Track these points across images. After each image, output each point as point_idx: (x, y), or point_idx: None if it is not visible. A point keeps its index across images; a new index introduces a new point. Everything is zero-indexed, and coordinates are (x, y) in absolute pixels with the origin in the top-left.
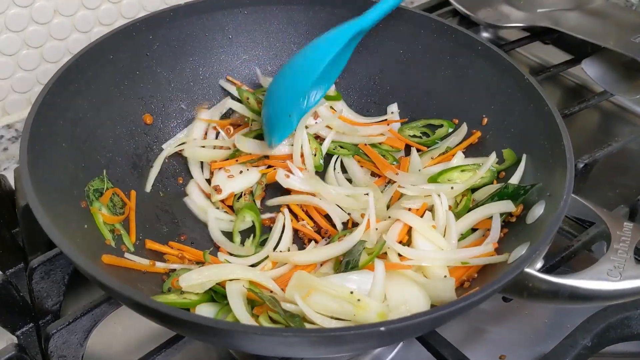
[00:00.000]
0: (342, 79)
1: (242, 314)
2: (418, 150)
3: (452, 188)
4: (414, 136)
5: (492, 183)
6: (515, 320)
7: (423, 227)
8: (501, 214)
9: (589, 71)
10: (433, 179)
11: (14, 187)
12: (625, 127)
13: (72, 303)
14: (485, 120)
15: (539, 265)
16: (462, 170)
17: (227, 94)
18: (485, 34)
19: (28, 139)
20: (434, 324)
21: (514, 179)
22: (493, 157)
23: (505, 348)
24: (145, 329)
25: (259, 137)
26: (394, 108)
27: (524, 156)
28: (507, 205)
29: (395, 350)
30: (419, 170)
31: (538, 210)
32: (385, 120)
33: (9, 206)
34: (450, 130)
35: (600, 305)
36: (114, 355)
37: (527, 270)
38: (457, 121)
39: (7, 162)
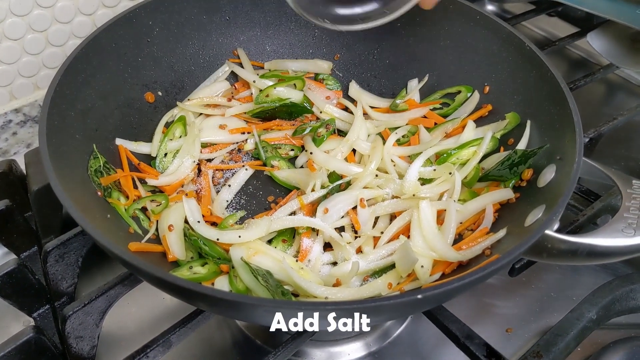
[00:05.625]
0: (340, 55)
1: (253, 284)
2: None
3: (450, 174)
4: (434, 108)
5: (498, 151)
6: (521, 294)
7: (426, 223)
8: (512, 179)
9: (594, 44)
10: (443, 161)
11: (24, 172)
12: (631, 100)
13: (86, 284)
14: (487, 88)
15: (555, 226)
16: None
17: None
18: (490, 7)
19: (46, 133)
20: (466, 288)
21: (521, 145)
22: (489, 135)
23: (511, 321)
24: (159, 308)
25: (262, 113)
26: (414, 83)
27: (528, 122)
28: (506, 193)
29: (403, 325)
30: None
31: (549, 174)
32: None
33: (20, 191)
34: (469, 94)
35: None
36: (129, 335)
37: (546, 231)
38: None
39: (17, 147)
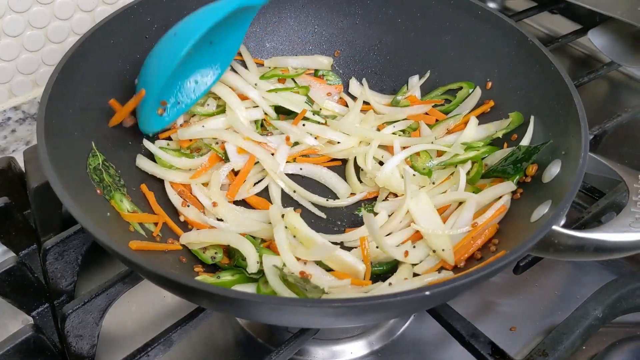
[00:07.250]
0: (341, 51)
1: (280, 288)
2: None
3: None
4: (435, 105)
5: (501, 147)
6: (526, 293)
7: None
8: (516, 175)
9: (596, 41)
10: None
11: (23, 169)
12: (634, 97)
13: (85, 283)
14: (490, 84)
15: (562, 222)
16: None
17: None
18: (491, 4)
19: (44, 132)
20: (475, 284)
21: (524, 141)
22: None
23: (515, 320)
24: (159, 307)
25: None
26: (415, 79)
27: (532, 117)
28: (507, 187)
29: (406, 324)
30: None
31: (554, 169)
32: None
33: (19, 188)
34: (471, 90)
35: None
36: (128, 333)
37: (553, 227)
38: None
39: (16, 144)
